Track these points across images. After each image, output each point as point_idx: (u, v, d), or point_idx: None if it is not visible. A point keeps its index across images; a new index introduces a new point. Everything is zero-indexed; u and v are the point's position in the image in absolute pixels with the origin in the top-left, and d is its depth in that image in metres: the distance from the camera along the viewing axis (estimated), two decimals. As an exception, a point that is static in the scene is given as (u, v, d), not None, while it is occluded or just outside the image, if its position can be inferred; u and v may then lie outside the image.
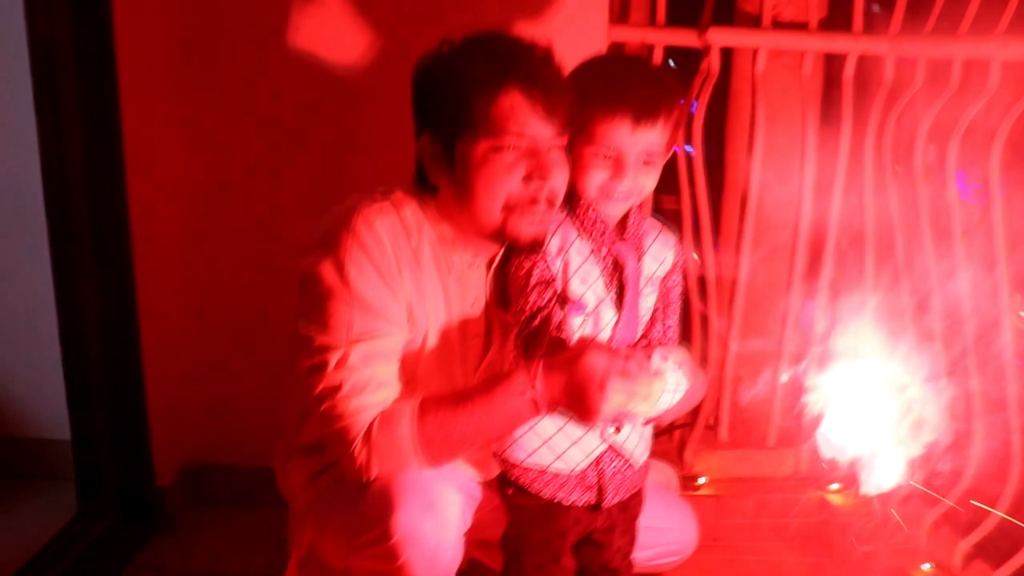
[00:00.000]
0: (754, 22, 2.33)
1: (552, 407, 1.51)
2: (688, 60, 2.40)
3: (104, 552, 2.30)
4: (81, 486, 2.39)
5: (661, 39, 2.32)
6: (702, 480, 2.50)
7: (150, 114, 2.36)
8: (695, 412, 2.55)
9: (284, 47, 2.34)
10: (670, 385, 1.57)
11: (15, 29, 2.14)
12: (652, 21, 2.37)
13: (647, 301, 1.65)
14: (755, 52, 2.31)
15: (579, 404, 1.47)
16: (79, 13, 2.16)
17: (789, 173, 2.36)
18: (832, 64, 2.36)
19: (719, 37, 2.28)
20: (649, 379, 1.45)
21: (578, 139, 1.57)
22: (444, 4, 2.24)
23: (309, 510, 1.75)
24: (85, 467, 2.39)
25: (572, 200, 1.63)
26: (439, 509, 1.50)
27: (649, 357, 1.50)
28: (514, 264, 1.61)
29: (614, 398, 1.43)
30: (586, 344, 1.52)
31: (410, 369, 1.63)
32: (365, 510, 1.52)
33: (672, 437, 2.65)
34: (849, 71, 2.29)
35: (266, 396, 2.42)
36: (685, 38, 2.32)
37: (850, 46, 2.28)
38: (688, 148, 2.43)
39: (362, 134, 2.37)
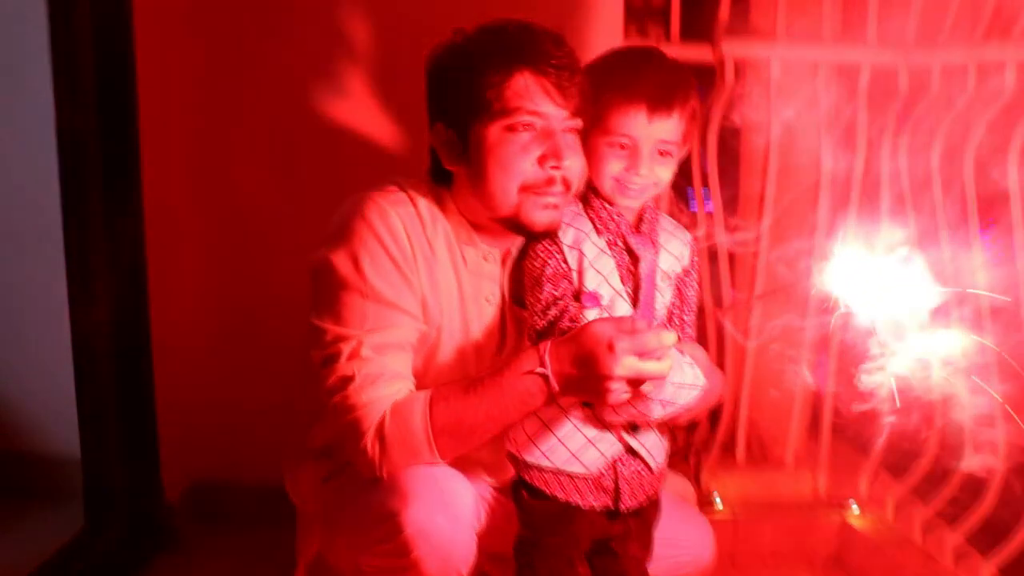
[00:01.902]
0: (768, 34, 2.34)
1: (564, 384, 1.46)
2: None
3: (110, 567, 2.27)
4: (89, 501, 2.36)
5: (676, 54, 2.32)
6: (719, 502, 2.45)
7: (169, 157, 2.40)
8: (712, 433, 2.52)
9: (299, 63, 2.38)
10: (688, 379, 1.54)
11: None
12: (667, 36, 2.38)
13: (663, 297, 1.63)
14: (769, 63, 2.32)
15: (590, 372, 1.41)
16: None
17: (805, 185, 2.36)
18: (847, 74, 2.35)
19: (733, 48, 2.28)
20: (658, 334, 1.40)
21: (593, 130, 1.57)
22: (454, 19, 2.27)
23: (318, 514, 1.71)
24: (94, 482, 2.36)
25: (587, 193, 1.62)
26: (452, 503, 1.47)
27: None
28: (529, 255, 1.60)
29: (625, 359, 1.38)
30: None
31: (423, 364, 1.62)
32: (376, 505, 1.48)
33: (688, 460, 2.60)
34: (863, 81, 2.28)
35: (276, 415, 2.40)
36: (700, 52, 2.33)
37: (864, 56, 2.27)
38: (706, 199, 2.42)
39: (380, 148, 2.39)
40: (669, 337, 1.40)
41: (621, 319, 1.46)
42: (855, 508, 2.42)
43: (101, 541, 2.31)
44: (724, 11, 2.32)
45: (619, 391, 1.42)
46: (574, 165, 1.55)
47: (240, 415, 2.54)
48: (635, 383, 1.43)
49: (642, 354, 1.39)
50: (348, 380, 1.50)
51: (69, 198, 2.23)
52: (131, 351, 2.36)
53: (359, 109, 2.39)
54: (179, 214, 2.46)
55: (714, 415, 2.52)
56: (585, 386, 1.45)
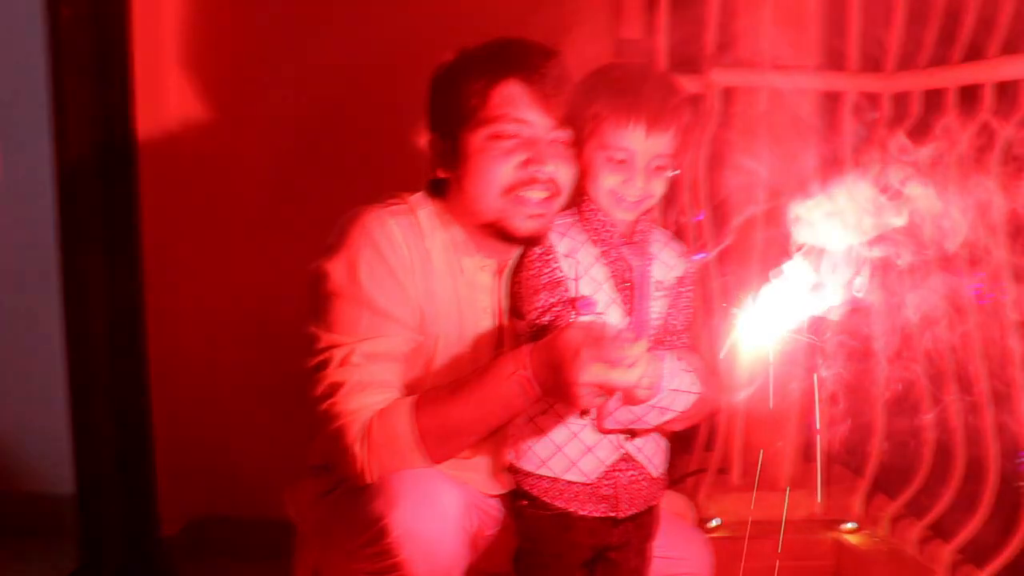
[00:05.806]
0: (754, 63, 2.39)
1: (543, 388, 1.49)
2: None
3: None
4: (85, 537, 2.35)
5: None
6: (716, 523, 2.45)
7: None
8: (709, 455, 2.53)
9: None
10: (684, 385, 1.57)
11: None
12: (653, 66, 2.43)
13: (658, 306, 1.65)
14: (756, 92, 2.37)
15: (558, 378, 1.44)
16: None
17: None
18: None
19: (721, 77, 2.34)
20: (621, 346, 1.40)
21: (589, 143, 1.60)
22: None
23: (315, 529, 1.72)
24: (90, 519, 2.35)
25: (581, 204, 1.65)
26: (437, 504, 1.48)
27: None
28: (525, 264, 1.63)
29: (590, 368, 1.39)
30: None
31: (421, 374, 1.64)
32: (363, 510, 1.50)
33: (685, 484, 2.61)
34: (848, 108, 2.34)
35: (274, 450, 2.40)
36: (688, 81, 2.38)
37: (848, 84, 2.34)
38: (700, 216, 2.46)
39: (384, 170, 2.40)
40: (635, 348, 1.41)
41: (592, 325, 1.48)
42: (851, 525, 2.43)
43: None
44: (711, 41, 2.38)
45: (586, 396, 1.43)
46: (559, 170, 1.59)
47: (237, 450, 2.54)
48: (611, 390, 1.44)
49: (611, 362, 1.40)
50: (337, 387, 1.53)
51: (66, 234, 2.25)
52: (128, 388, 2.37)
53: (364, 132, 2.43)
54: (178, 248, 2.48)
55: (709, 438, 2.53)
56: (558, 390, 1.47)
